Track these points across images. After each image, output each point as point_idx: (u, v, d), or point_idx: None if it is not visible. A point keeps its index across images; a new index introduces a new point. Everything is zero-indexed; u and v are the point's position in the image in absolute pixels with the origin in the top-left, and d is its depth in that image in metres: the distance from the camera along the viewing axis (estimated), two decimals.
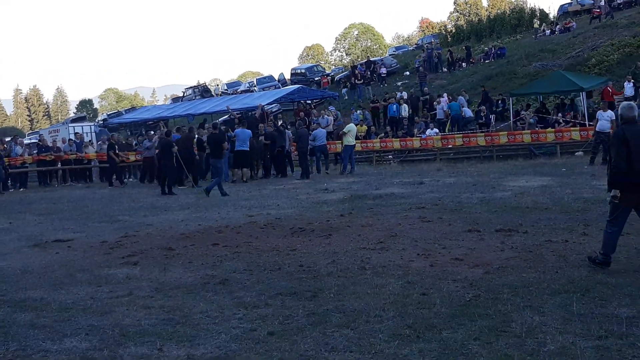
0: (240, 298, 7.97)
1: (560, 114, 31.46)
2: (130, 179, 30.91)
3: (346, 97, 49.30)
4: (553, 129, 28.99)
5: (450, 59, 51.30)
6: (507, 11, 73.25)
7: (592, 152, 22.83)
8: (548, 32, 53.98)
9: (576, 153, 26.79)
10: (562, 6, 66.17)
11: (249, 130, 25.29)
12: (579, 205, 13.89)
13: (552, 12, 67.07)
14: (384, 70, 53.71)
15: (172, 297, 8.19)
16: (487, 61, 49.82)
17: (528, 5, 74.96)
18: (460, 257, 9.68)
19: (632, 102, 9.50)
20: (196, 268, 9.92)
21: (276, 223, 14.07)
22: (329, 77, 60.56)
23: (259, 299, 7.89)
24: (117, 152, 28.40)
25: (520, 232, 11.37)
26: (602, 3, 54.24)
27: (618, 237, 8.78)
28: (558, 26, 54.23)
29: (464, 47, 54.04)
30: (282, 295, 7.99)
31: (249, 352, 6.04)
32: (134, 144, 33.44)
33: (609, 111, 22.53)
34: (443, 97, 36.61)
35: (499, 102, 36.07)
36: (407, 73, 54.15)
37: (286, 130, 28.25)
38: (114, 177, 28.20)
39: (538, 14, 63.12)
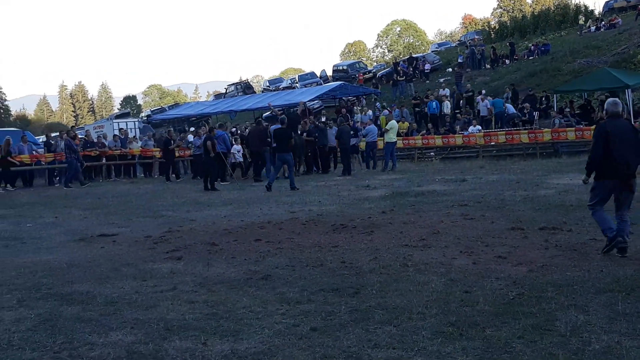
0: (283, 294, 8.01)
1: (605, 112, 31.01)
2: (172, 175, 31.17)
3: (373, 99, 48.87)
4: None
5: (493, 56, 50.84)
6: (552, 7, 72.55)
7: None
8: (593, 28, 53.36)
9: None
10: (607, 2, 65.42)
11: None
12: None
13: (597, 8, 66.35)
14: (428, 67, 53.51)
15: (215, 292, 8.25)
16: (531, 58, 49.33)
17: (573, 2, 74.01)
18: (503, 255, 9.63)
19: (617, 99, 10.40)
20: (239, 263, 9.98)
21: (318, 219, 14.11)
22: (363, 75, 60.46)
23: (301, 294, 7.91)
24: (172, 147, 28.71)
25: (565, 230, 11.28)
26: None
27: (606, 215, 9.58)
28: (603, 22, 53.57)
29: (507, 44, 53.57)
30: (325, 292, 8.00)
31: (292, 348, 6.06)
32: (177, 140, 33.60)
33: None
34: (482, 94, 36.50)
35: (543, 99, 35.72)
36: (450, 70, 53.87)
37: (333, 127, 28.12)
38: (155, 172, 28.50)
39: (583, 11, 62.35)
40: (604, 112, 10.31)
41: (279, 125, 23.47)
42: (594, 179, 9.72)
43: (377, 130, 28.95)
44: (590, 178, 9.83)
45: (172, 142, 28.97)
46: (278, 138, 22.35)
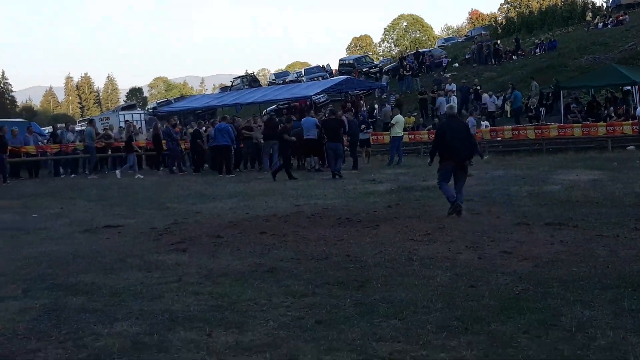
0: (287, 286, 8.00)
1: (612, 108, 30.95)
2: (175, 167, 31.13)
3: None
4: (604, 123, 28.55)
5: (496, 50, 50.50)
6: (559, 3, 72.21)
7: None
8: (600, 24, 53.14)
9: (628, 147, 26.35)
10: None
11: (314, 119, 25.32)
12: (631, 200, 13.70)
13: (605, 4, 65.87)
14: (446, 61, 53.34)
15: (220, 284, 8.25)
16: (537, 53, 49.15)
17: None
18: (509, 250, 9.60)
19: (452, 104, 15.49)
20: (244, 256, 9.97)
21: (323, 213, 14.10)
22: (369, 69, 60.32)
23: (306, 287, 7.90)
24: (202, 140, 28.07)
25: (571, 226, 11.24)
26: None
27: (450, 188, 13.08)
28: (611, 19, 53.40)
29: (513, 40, 53.42)
30: (330, 285, 7.99)
31: (296, 340, 6.05)
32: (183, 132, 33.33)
33: None
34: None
35: (550, 94, 35.61)
36: (456, 65, 53.75)
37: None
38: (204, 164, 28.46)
39: (590, 7, 62.14)
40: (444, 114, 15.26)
41: (310, 118, 23.99)
42: (439, 163, 13.23)
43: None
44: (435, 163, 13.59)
45: (201, 134, 28.51)
46: (328, 128, 23.02)
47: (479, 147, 26.74)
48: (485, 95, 36.59)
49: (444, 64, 53.07)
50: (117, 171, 26.65)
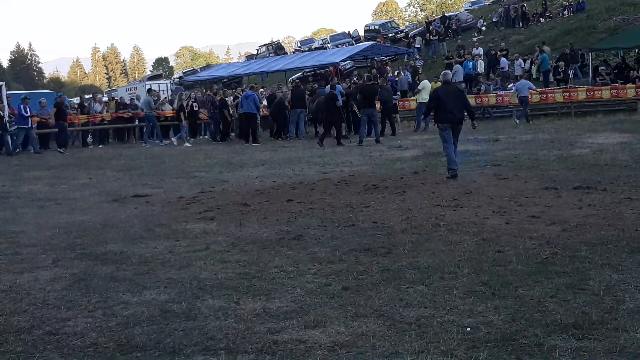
0: (314, 253, 8.02)
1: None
2: (206, 136, 31.13)
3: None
4: (633, 85, 28.14)
5: (524, 13, 49.81)
6: None
7: None
8: None
9: None
10: None
11: (339, 86, 25.19)
12: None
13: None
14: (481, 22, 52.74)
15: (247, 252, 8.29)
16: (565, 15, 48.44)
17: None
18: (536, 214, 9.56)
19: (448, 71, 16.05)
20: (271, 224, 10.01)
21: (350, 180, 14.11)
22: (395, 35, 59.76)
23: (333, 254, 7.92)
24: (230, 110, 27.89)
25: (599, 189, 11.17)
26: None
27: (453, 153, 13.71)
28: None
29: (541, 2, 52.64)
30: (356, 251, 8.01)
31: (323, 307, 6.08)
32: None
33: None
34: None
35: (577, 57, 35.12)
36: (483, 28, 53.15)
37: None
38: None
39: None
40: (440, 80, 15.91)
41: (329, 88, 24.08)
42: (439, 127, 14.10)
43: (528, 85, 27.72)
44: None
45: (228, 104, 28.40)
46: (364, 94, 22.89)
47: (526, 110, 26.80)
48: (503, 59, 36.21)
49: (479, 26, 52.47)
50: (173, 139, 27.16)
